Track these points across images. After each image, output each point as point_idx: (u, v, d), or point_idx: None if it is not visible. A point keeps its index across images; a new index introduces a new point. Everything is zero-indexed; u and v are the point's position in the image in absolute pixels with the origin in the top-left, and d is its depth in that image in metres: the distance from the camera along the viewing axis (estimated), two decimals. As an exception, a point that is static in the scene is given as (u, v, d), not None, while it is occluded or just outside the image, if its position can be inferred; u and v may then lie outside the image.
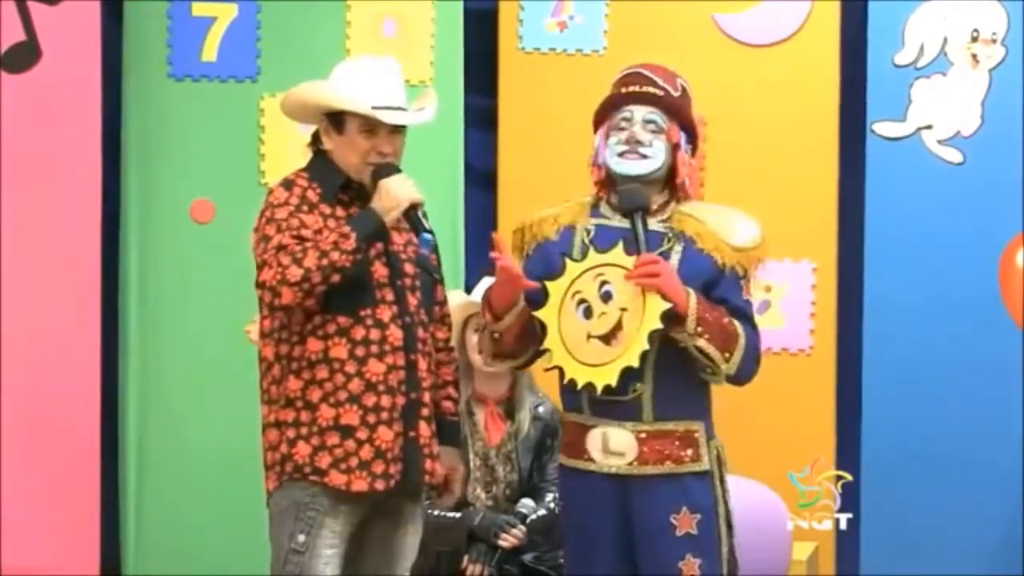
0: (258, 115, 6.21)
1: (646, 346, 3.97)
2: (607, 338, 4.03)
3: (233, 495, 6.02)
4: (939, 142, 6.26)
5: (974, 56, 6.25)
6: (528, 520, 5.06)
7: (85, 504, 6.07)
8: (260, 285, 4.05)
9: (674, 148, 4.13)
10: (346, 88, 4.18)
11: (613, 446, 4.10)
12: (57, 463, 6.02)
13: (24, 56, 6.04)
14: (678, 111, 4.14)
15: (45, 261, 6.05)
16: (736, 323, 4.04)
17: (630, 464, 4.08)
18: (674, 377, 4.06)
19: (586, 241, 4.14)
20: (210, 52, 6.26)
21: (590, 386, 4.03)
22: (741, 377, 4.11)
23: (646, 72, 4.17)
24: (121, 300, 6.25)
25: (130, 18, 6.27)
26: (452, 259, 6.17)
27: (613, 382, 4.01)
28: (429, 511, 5.00)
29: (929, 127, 6.26)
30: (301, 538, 4.11)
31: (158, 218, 6.25)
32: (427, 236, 4.16)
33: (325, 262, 4.00)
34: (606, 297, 4.05)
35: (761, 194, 6.15)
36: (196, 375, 6.21)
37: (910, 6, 6.27)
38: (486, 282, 5.12)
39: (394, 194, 4.11)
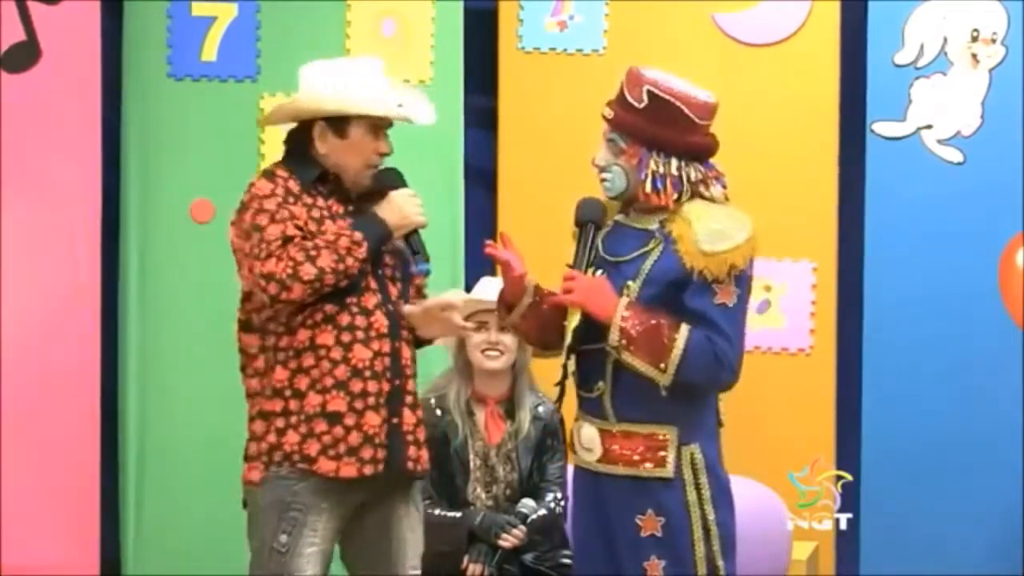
0: (258, 115, 6.19)
1: (563, 360, 4.03)
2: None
3: (233, 495, 5.94)
4: (939, 142, 6.26)
5: (974, 56, 6.25)
6: (529, 520, 5.05)
7: (85, 504, 6.07)
8: (267, 277, 4.03)
9: (634, 167, 4.03)
10: (353, 92, 4.16)
11: (584, 441, 4.12)
12: (57, 463, 6.02)
13: (24, 56, 6.04)
14: (640, 128, 4.02)
15: (45, 261, 6.05)
16: (679, 332, 3.93)
17: (598, 461, 4.09)
18: (635, 379, 4.01)
19: (598, 241, 4.11)
20: (210, 52, 6.26)
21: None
22: (689, 386, 3.98)
23: (621, 83, 4.06)
24: (121, 300, 6.25)
25: (130, 18, 6.27)
26: (451, 259, 6.17)
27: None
28: (429, 511, 5.00)
29: (929, 127, 6.26)
30: (283, 538, 4.13)
31: (158, 218, 6.25)
32: (425, 267, 4.19)
33: (341, 267, 4.04)
34: None
35: (761, 194, 6.14)
36: (196, 375, 6.21)
37: (910, 6, 6.27)
38: (485, 282, 5.12)
39: (406, 214, 4.15)
